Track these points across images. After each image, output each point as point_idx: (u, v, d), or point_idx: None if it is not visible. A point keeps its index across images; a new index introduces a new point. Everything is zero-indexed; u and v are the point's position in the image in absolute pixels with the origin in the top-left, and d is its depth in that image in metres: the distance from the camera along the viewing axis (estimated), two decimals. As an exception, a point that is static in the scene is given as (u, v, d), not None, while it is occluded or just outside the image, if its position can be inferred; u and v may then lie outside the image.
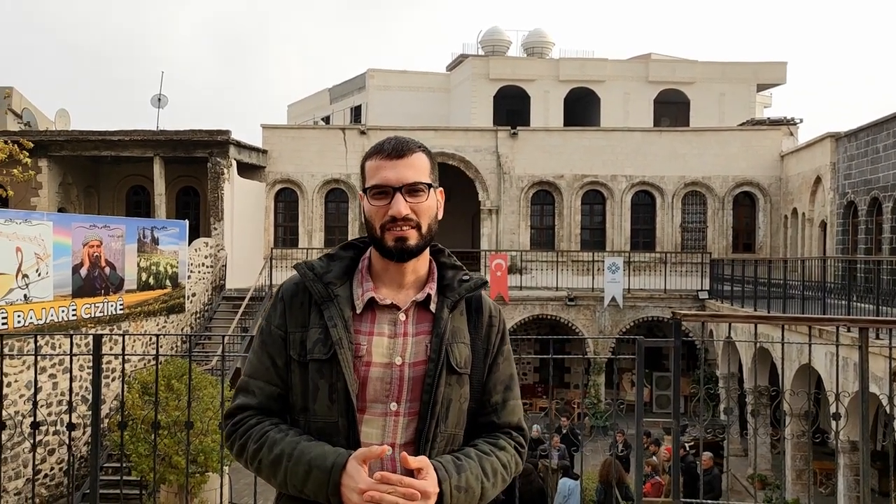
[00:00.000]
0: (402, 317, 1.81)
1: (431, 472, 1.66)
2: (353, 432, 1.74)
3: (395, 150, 1.79)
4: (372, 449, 1.65)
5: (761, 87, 33.04)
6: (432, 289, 1.86)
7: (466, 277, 1.90)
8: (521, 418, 1.94)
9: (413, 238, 1.77)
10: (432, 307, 1.84)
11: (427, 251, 1.87)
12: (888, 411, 4.59)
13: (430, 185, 1.80)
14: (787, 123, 24.35)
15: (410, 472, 1.66)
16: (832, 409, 4.77)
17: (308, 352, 1.78)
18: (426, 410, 1.76)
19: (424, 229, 1.79)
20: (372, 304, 1.82)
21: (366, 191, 1.81)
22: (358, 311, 1.80)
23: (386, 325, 1.80)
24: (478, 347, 1.88)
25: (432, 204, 1.82)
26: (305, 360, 1.78)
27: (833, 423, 4.70)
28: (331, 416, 1.75)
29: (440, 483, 1.66)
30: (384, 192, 1.77)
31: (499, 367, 1.91)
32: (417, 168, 1.79)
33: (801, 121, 24.99)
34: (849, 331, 8.93)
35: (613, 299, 20.43)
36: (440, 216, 1.86)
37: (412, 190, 1.77)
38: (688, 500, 4.75)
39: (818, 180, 19.95)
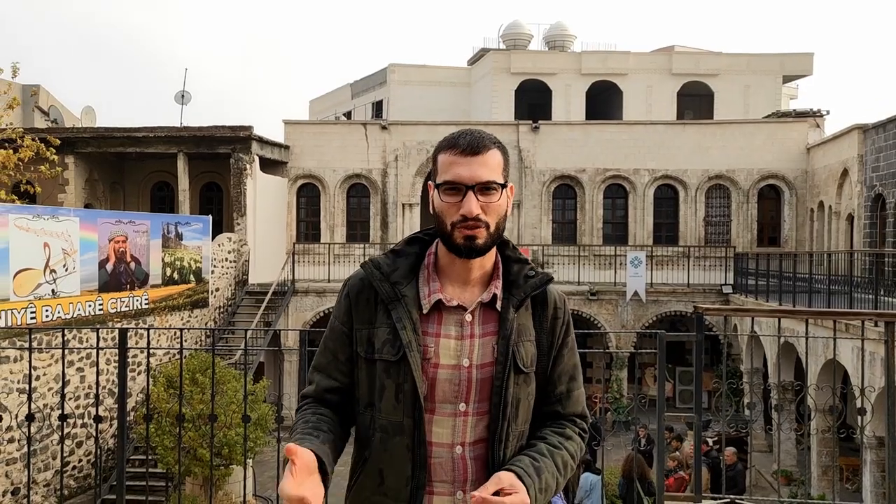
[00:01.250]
0: (468, 318, 1.80)
1: (518, 483, 1.65)
2: (419, 432, 1.75)
3: (471, 146, 1.74)
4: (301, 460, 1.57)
5: (787, 79, 32.54)
6: (497, 287, 1.83)
7: (532, 273, 1.87)
8: (584, 406, 1.95)
9: (482, 237, 1.74)
10: (498, 306, 1.82)
11: (494, 246, 1.85)
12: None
13: (503, 185, 1.77)
14: (813, 115, 23.97)
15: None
16: (858, 405, 4.71)
17: (376, 351, 1.79)
18: (497, 412, 1.77)
19: (493, 228, 1.76)
20: (439, 305, 1.81)
21: (438, 185, 1.77)
22: (425, 312, 1.80)
23: (453, 326, 1.80)
24: (542, 341, 1.87)
25: (503, 203, 1.78)
26: (373, 357, 1.79)
27: (859, 419, 4.64)
28: (396, 416, 1.76)
29: (526, 489, 1.66)
30: (456, 188, 1.73)
31: (563, 357, 1.91)
32: (491, 166, 1.75)
33: (828, 112, 24.59)
34: (875, 325, 8.79)
35: (636, 293, 20.29)
36: (509, 213, 1.84)
37: (485, 189, 1.74)
38: (711, 495, 4.71)
39: (845, 173, 19.64)
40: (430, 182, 1.82)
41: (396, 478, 1.77)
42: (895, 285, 12.58)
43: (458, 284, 1.83)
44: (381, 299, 1.81)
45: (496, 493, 1.63)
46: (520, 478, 1.67)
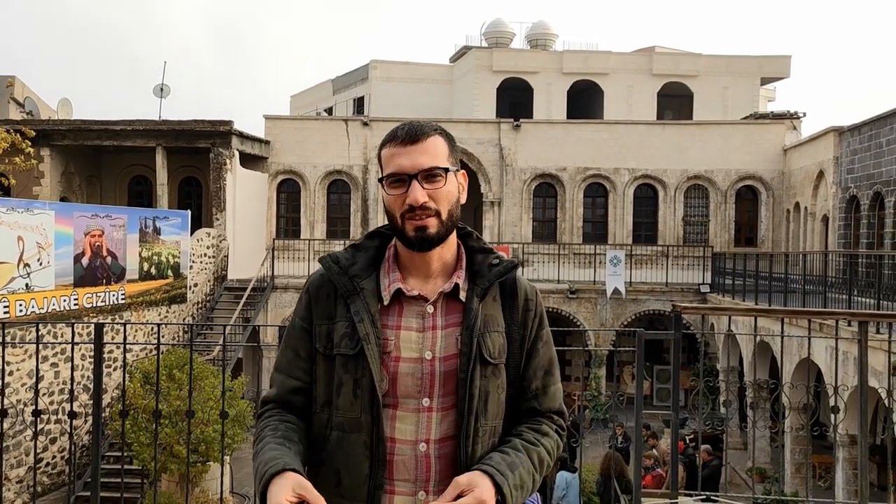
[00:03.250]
0: (430, 309, 1.76)
1: (480, 481, 1.59)
2: (378, 428, 1.69)
3: (409, 135, 1.71)
4: (312, 494, 1.54)
5: (765, 81, 32.91)
6: (460, 277, 1.79)
7: (496, 261, 1.82)
8: (562, 402, 1.90)
9: (433, 226, 1.70)
10: (462, 296, 1.77)
11: (454, 236, 1.81)
12: (887, 405, 4.60)
13: (447, 170, 1.72)
14: (790, 117, 24.27)
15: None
16: (831, 403, 4.78)
17: (335, 346, 1.74)
18: (463, 406, 1.71)
19: (445, 215, 1.72)
20: (399, 296, 1.76)
21: (382, 179, 1.74)
22: (385, 303, 1.75)
23: (414, 318, 1.75)
24: (513, 334, 1.81)
25: (452, 189, 1.74)
26: (332, 353, 1.75)
27: (832, 417, 4.71)
28: (353, 412, 1.71)
29: (500, 487, 1.60)
30: (400, 179, 1.70)
31: (538, 352, 1.85)
32: (433, 153, 1.71)
33: (805, 115, 24.89)
34: (849, 325, 8.93)
35: (616, 290, 20.43)
36: (463, 200, 1.79)
37: (429, 176, 1.70)
38: (686, 492, 4.76)
39: (821, 174, 19.91)
40: (378, 180, 1.80)
41: (353, 477, 1.70)
42: (869, 286, 12.78)
43: (420, 278, 1.78)
44: (341, 294, 1.77)
45: (459, 496, 1.57)
46: (491, 476, 1.61)
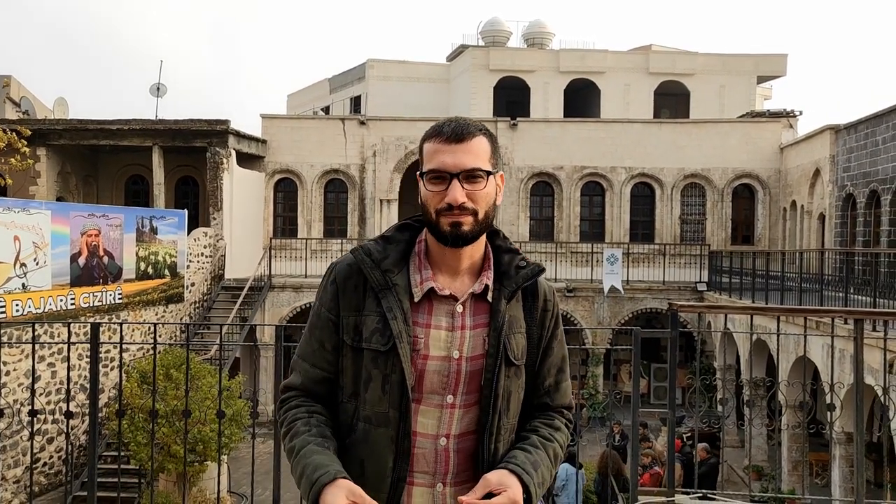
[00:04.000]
0: (459, 309, 1.77)
1: (509, 481, 1.65)
2: (405, 423, 1.72)
3: (455, 133, 1.71)
4: (365, 499, 1.60)
5: (761, 80, 32.96)
6: (489, 278, 1.80)
7: (523, 264, 1.84)
8: (571, 397, 1.96)
9: (468, 224, 1.71)
10: (489, 297, 1.79)
11: (483, 235, 1.82)
12: (883, 403, 4.61)
13: (489, 172, 1.73)
14: (786, 116, 24.31)
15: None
16: (827, 401, 4.79)
17: (364, 340, 1.75)
18: (487, 404, 1.75)
19: (481, 216, 1.73)
20: (430, 294, 1.77)
21: (423, 174, 1.74)
22: (416, 300, 1.76)
23: (444, 317, 1.76)
24: (532, 334, 1.85)
25: (491, 191, 1.75)
26: (360, 346, 1.75)
27: (828, 415, 4.73)
28: (381, 407, 1.73)
29: (526, 487, 1.66)
30: (441, 177, 1.70)
31: (553, 350, 1.89)
32: (477, 153, 1.71)
33: (801, 113, 24.95)
34: (845, 322, 8.95)
35: (613, 288, 20.45)
36: (500, 201, 1.80)
37: (470, 177, 1.70)
38: (683, 490, 4.78)
39: (817, 173, 19.94)
40: (417, 174, 1.78)
41: (378, 469, 1.73)
42: (865, 284, 12.80)
43: (448, 274, 1.79)
44: (371, 286, 1.77)
45: (488, 496, 1.62)
46: (519, 476, 1.66)
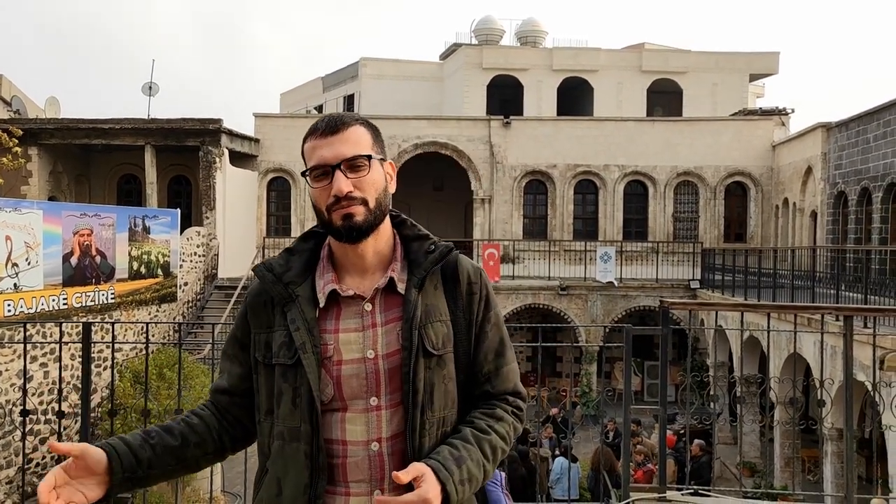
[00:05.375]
0: (367, 307, 1.72)
1: (428, 475, 1.56)
2: (317, 438, 1.66)
3: (329, 126, 1.69)
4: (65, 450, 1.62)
5: (754, 77, 33.06)
6: (395, 269, 1.74)
7: (432, 248, 1.77)
8: (517, 382, 1.84)
9: (360, 214, 1.67)
10: (400, 289, 1.73)
11: (388, 226, 1.77)
12: (874, 399, 4.65)
13: (370, 157, 1.69)
14: (778, 113, 24.41)
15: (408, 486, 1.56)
16: (818, 397, 4.82)
17: (273, 355, 1.71)
18: (408, 400, 1.68)
19: (372, 204, 1.68)
20: (336, 297, 1.72)
21: (305, 173, 1.71)
22: (321, 305, 1.71)
23: (352, 318, 1.71)
24: (459, 320, 1.76)
25: (377, 177, 1.70)
26: (271, 362, 1.72)
27: (819, 411, 4.76)
28: (293, 421, 1.68)
29: (444, 484, 1.57)
30: (324, 171, 1.67)
31: (487, 335, 1.80)
32: (354, 142, 1.68)
33: (793, 111, 25.07)
34: (836, 319, 8.99)
35: (610, 282, 20.52)
36: (392, 189, 1.75)
37: (352, 165, 1.67)
38: (676, 486, 4.80)
39: (809, 170, 20.02)
40: (301, 174, 1.76)
41: (294, 486, 1.67)
42: (856, 281, 12.87)
43: (357, 274, 1.74)
44: (277, 302, 1.74)
45: (409, 486, 1.54)
46: (436, 472, 1.57)
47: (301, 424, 1.67)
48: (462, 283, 1.78)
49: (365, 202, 1.68)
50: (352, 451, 1.68)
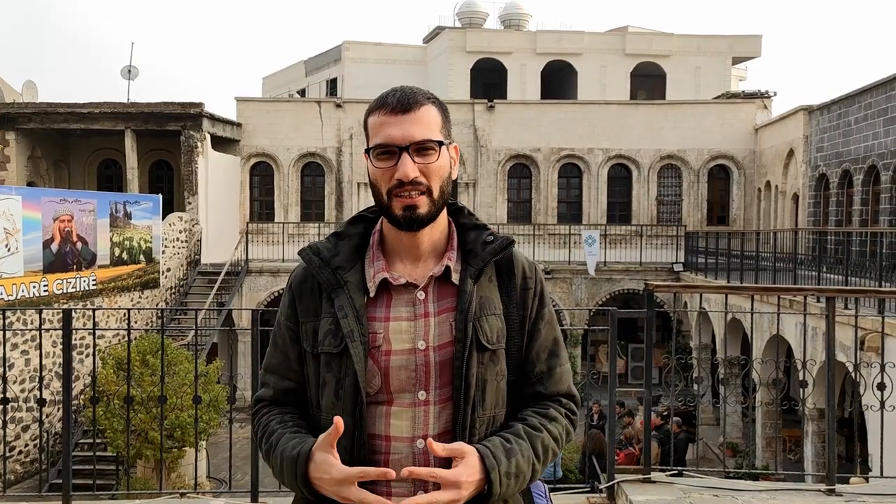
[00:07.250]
0: (420, 295, 1.62)
1: (470, 458, 1.49)
2: (360, 432, 1.57)
3: (401, 103, 1.57)
4: (336, 426, 1.48)
5: (737, 60, 33.15)
6: (451, 258, 1.65)
7: (490, 238, 1.68)
8: (571, 384, 1.76)
9: (424, 205, 1.57)
10: (454, 279, 1.64)
11: (444, 213, 1.68)
12: (855, 380, 4.70)
13: (441, 143, 1.59)
14: (761, 97, 24.50)
15: (447, 463, 1.49)
16: (800, 378, 4.87)
17: (319, 343, 1.62)
18: (459, 396, 1.58)
19: (436, 193, 1.59)
20: (387, 285, 1.63)
21: (369, 150, 1.60)
22: (371, 295, 1.62)
23: (404, 307, 1.62)
24: (512, 315, 1.68)
25: (444, 164, 1.61)
26: (316, 351, 1.63)
27: (801, 391, 4.80)
28: (335, 414, 1.56)
29: (489, 472, 1.49)
30: (389, 151, 1.56)
31: (540, 333, 1.71)
32: (426, 123, 1.58)
33: (775, 94, 25.19)
34: (818, 301, 9.09)
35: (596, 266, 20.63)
36: (455, 175, 1.66)
37: (421, 149, 1.56)
38: (660, 467, 4.84)
39: (791, 153, 20.16)
40: (364, 151, 1.64)
41: None
42: (837, 262, 13.01)
43: (409, 261, 1.65)
44: (324, 288, 1.64)
45: (448, 461, 1.49)
46: (483, 458, 1.49)
47: (343, 417, 1.54)
48: (517, 277, 1.71)
49: (429, 191, 1.58)
50: (395, 447, 1.59)
